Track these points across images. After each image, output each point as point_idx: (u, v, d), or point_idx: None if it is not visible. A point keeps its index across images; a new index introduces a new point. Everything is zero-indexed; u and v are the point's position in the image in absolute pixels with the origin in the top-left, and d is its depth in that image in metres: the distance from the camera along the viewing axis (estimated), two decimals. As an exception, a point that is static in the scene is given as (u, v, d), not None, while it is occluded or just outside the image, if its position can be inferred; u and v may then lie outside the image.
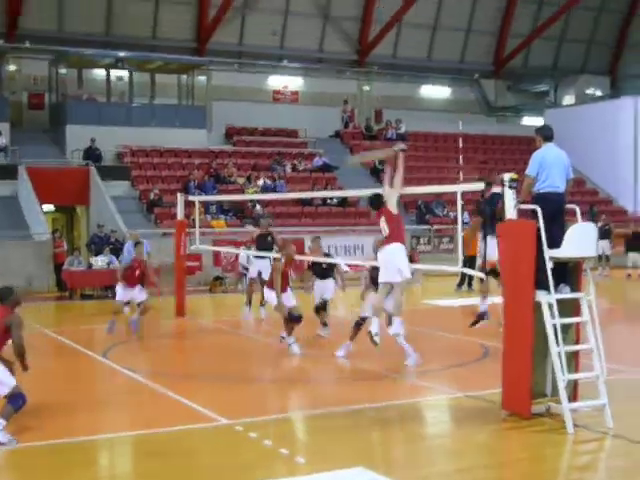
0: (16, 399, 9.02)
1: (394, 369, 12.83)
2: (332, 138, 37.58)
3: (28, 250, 25.14)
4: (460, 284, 24.43)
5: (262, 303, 17.89)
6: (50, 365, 14.35)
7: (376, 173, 34.80)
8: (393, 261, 11.83)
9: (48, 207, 29.50)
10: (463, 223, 12.35)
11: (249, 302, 19.11)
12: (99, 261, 24.50)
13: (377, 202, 12.05)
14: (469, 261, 23.13)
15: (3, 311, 9.23)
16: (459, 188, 11.92)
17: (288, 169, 33.32)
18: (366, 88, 40.03)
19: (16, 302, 9.46)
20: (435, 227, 30.87)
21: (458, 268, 12.38)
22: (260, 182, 31.04)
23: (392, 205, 11.84)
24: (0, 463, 8.43)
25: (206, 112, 34.35)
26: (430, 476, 8.08)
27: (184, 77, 34.47)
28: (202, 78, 35.35)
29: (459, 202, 11.75)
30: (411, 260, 21.33)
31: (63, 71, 32.80)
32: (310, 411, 10.54)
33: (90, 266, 24.44)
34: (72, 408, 10.63)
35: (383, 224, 11.81)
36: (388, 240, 11.85)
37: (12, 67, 32.62)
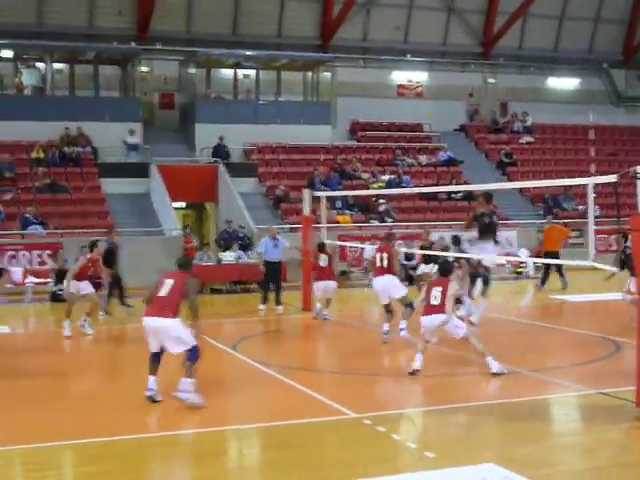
0: (193, 353, 10.41)
1: (521, 365, 12.67)
2: (457, 132, 37.29)
3: (159, 246, 25.84)
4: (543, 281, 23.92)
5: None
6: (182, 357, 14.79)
7: (502, 167, 34.40)
8: None
9: (179, 204, 30.30)
10: (595, 217, 12.03)
11: None
12: (228, 256, 25.03)
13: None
14: (550, 257, 22.80)
15: (183, 275, 10.69)
16: (590, 181, 11.62)
17: (412, 163, 33.24)
18: (491, 81, 39.47)
19: (192, 268, 11.23)
20: (563, 221, 30.21)
21: (588, 263, 12.03)
22: (385, 177, 31.08)
23: None
24: (130, 453, 8.69)
25: (331, 108, 34.61)
26: (563, 474, 7.97)
27: (309, 74, 34.83)
28: (327, 74, 35.60)
29: (590, 195, 11.47)
30: (537, 256, 21.14)
31: (192, 71, 33.67)
32: (438, 406, 10.51)
33: (219, 261, 25.01)
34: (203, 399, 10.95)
35: None
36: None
37: (144, 68, 33.63)
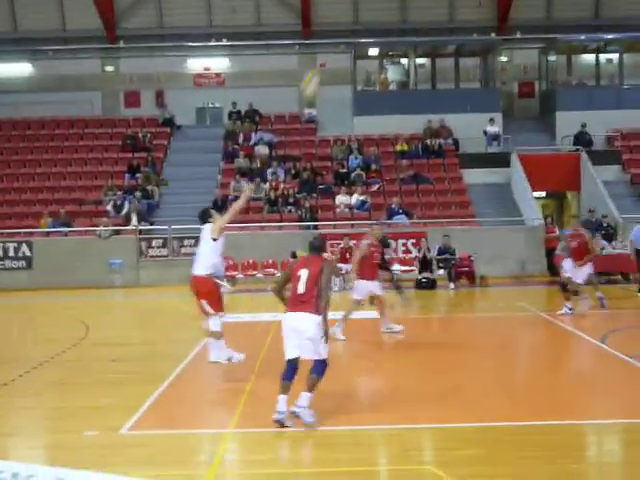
0: (321, 366, 9.13)
1: None
2: None
3: (521, 235, 25.99)
4: None
5: None
6: (543, 346, 14.80)
7: None
8: None
9: (539, 193, 30.10)
10: None
11: None
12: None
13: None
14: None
15: (319, 260, 9.38)
16: None
17: None
18: None
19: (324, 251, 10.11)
20: None
21: None
22: None
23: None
24: (514, 439, 8.89)
25: (703, 90, 32.51)
26: None
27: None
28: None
29: None
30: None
31: (552, 58, 33.23)
32: None
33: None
34: (561, 389, 10.88)
35: None
36: None
37: (503, 58, 33.73)
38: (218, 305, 11.49)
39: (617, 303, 19.69)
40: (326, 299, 9.16)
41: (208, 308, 11.42)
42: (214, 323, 11.46)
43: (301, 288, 9.15)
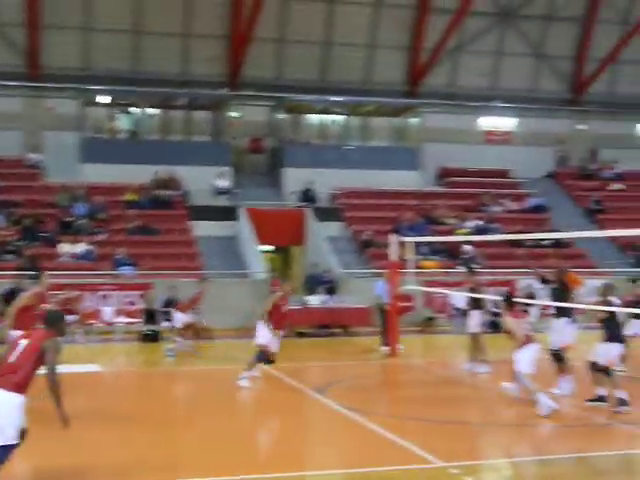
0: (3, 452, 7.93)
1: (614, 416, 12.35)
2: (546, 179, 36.88)
3: (246, 288, 26.19)
4: None
5: None
6: (266, 399, 14.86)
7: (591, 214, 33.89)
8: None
9: (266, 247, 30.62)
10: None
11: None
12: (314, 300, 25.15)
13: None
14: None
15: (45, 334, 8.38)
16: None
17: (499, 210, 33.01)
18: (582, 127, 38.95)
19: (61, 331, 8.53)
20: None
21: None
22: (471, 223, 30.93)
23: None
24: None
25: (418, 154, 34.67)
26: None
27: (396, 120, 35.02)
28: (414, 120, 35.71)
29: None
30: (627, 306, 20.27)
31: (281, 116, 34.19)
32: (532, 457, 10.29)
33: (305, 304, 25.12)
34: (282, 442, 10.97)
35: None
36: None
37: (234, 113, 34.22)
38: None
39: (341, 356, 20.32)
40: (50, 378, 8.11)
41: None
42: None
43: (10, 359, 8.11)
